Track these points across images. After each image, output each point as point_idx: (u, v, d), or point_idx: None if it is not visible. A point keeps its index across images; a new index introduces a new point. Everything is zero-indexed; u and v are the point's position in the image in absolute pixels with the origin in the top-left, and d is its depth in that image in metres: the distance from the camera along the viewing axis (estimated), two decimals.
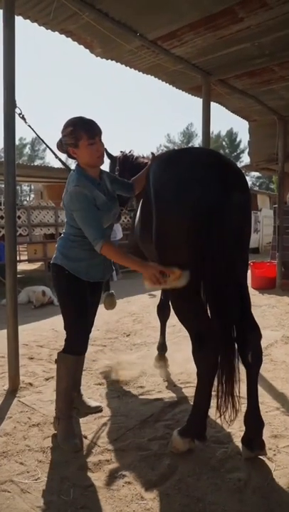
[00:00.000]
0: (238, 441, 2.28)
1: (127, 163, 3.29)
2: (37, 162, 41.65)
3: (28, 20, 3.63)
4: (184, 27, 3.88)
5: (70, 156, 2.26)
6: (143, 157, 3.42)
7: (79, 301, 2.32)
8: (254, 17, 3.70)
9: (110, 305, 3.57)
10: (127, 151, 3.47)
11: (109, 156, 3.43)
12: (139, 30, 3.93)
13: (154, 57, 4.46)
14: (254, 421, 2.16)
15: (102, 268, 2.40)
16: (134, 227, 3.02)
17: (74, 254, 2.28)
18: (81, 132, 2.14)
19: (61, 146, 2.24)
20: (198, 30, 3.95)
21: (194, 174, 1.97)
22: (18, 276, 9.64)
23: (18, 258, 11.02)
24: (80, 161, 2.24)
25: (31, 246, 8.21)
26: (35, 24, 3.70)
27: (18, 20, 3.48)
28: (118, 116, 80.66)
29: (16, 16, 3.36)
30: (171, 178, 2.03)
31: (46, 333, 4.70)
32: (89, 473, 2.04)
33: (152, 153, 2.86)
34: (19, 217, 7.70)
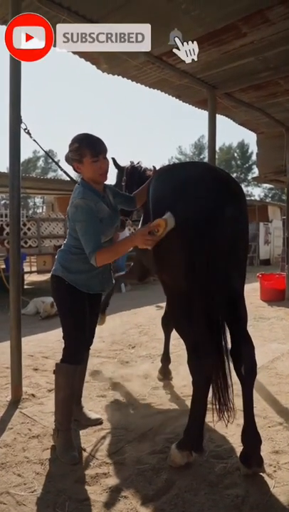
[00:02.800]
0: (237, 457, 2.25)
1: (134, 174, 3.32)
2: (50, 175, 42.30)
3: None
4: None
5: (75, 170, 2.35)
6: (150, 170, 3.45)
7: (78, 311, 2.35)
8: (257, 32, 3.76)
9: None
10: (135, 162, 3.50)
11: (117, 166, 3.47)
12: None
13: (159, 72, 4.55)
14: (251, 437, 2.13)
15: (102, 280, 2.44)
16: None
17: (75, 267, 2.32)
18: (86, 150, 2.21)
19: (68, 159, 2.32)
20: (203, 45, 4.01)
21: (189, 188, 2.02)
22: (28, 287, 9.76)
23: (29, 269, 11.26)
24: (84, 176, 2.31)
25: (40, 257, 8.33)
26: None
27: None
28: (129, 127, 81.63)
29: None
30: (167, 192, 2.09)
31: (52, 344, 4.72)
32: (85, 487, 2.03)
33: (154, 167, 2.89)
34: (29, 229, 7.82)
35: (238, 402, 2.86)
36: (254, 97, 5.50)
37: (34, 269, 11.07)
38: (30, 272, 10.61)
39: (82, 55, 4.16)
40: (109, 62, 4.33)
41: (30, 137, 2.95)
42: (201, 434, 2.14)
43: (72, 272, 2.32)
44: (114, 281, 2.59)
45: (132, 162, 3.53)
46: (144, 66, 4.40)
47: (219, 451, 2.33)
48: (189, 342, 2.11)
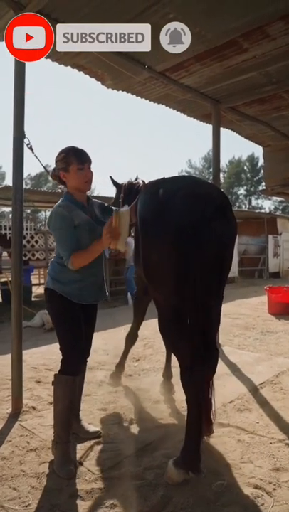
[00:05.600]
0: (236, 473, 2.21)
1: (131, 191, 3.36)
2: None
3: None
4: (191, 59, 4.01)
5: (60, 180, 2.42)
6: None
7: (73, 322, 2.36)
8: (258, 47, 3.80)
9: None
10: (133, 179, 3.54)
11: (115, 183, 3.52)
12: (147, 62, 4.11)
13: (163, 87, 4.62)
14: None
15: (94, 290, 2.46)
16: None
17: (65, 277, 2.35)
18: (71, 158, 2.32)
19: (53, 171, 2.42)
20: (205, 61, 4.09)
21: (173, 203, 2.05)
22: (36, 299, 9.77)
23: (37, 281, 11.31)
24: (69, 184, 2.39)
25: (47, 270, 8.36)
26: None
27: None
28: (139, 141, 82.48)
29: None
30: (152, 207, 2.15)
31: (56, 356, 4.70)
32: (80, 502, 2.01)
33: (142, 181, 2.91)
34: (37, 242, 7.90)
35: (238, 417, 2.82)
36: (258, 110, 5.53)
37: (42, 281, 11.13)
38: (39, 285, 10.67)
39: (87, 71, 4.26)
40: (113, 79, 4.42)
41: (32, 152, 3.01)
42: (197, 454, 2.11)
43: (63, 283, 2.34)
44: (107, 293, 2.61)
45: (143, 181, 3.58)
46: (148, 82, 4.47)
47: (218, 467, 2.28)
48: (181, 358, 2.11)
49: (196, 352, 2.04)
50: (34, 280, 11.58)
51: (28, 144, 3.04)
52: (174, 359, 3.58)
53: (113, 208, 2.48)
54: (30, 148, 3.02)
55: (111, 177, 3.49)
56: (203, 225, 1.98)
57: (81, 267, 2.26)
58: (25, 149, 3.05)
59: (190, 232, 1.97)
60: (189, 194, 2.07)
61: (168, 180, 2.33)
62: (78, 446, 2.55)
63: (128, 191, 3.34)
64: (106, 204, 2.67)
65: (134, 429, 2.81)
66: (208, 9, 3.23)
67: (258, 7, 3.20)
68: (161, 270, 2.10)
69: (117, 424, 2.88)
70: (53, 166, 2.43)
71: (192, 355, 2.05)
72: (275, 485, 2.13)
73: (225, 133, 6.35)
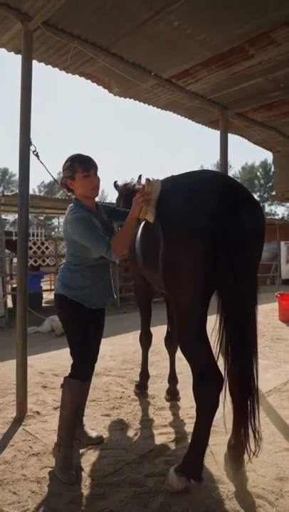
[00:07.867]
0: (238, 482, 2.17)
1: (128, 190, 3.39)
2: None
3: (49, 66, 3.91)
4: (197, 65, 4.04)
5: (68, 188, 2.43)
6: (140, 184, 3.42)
7: (82, 327, 2.38)
8: (264, 53, 3.81)
9: None
10: (136, 179, 3.55)
11: (116, 187, 3.56)
12: (154, 70, 4.15)
13: (170, 94, 4.64)
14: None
15: (103, 294, 2.47)
16: (130, 252, 3.15)
17: (75, 283, 2.37)
18: (77, 166, 2.33)
19: (61, 180, 2.44)
20: (211, 67, 4.10)
21: (203, 200, 1.92)
22: (46, 305, 9.83)
23: (49, 287, 11.41)
24: (76, 192, 2.41)
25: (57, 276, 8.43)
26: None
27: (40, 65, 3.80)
28: (148, 147, 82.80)
29: (38, 63, 3.67)
30: (179, 205, 1.99)
31: (63, 362, 4.73)
32: (79, 508, 2.00)
33: (147, 179, 2.90)
34: (47, 248, 7.97)
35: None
36: (267, 116, 5.51)
37: (53, 287, 11.22)
38: (50, 290, 10.76)
39: (94, 79, 4.31)
40: (120, 86, 4.46)
41: (38, 159, 3.06)
42: (201, 463, 2.07)
43: (73, 289, 2.36)
44: (115, 296, 2.61)
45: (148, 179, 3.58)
46: (155, 89, 4.51)
47: (220, 475, 2.25)
48: (196, 367, 2.03)
49: (211, 363, 2.00)
50: (45, 286, 11.70)
51: (35, 151, 3.09)
52: (183, 365, 3.57)
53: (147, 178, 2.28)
54: (37, 155, 3.07)
55: (115, 182, 3.53)
56: (237, 221, 1.85)
57: (122, 251, 2.25)
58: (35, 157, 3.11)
59: (227, 227, 1.84)
60: (219, 189, 1.93)
61: (189, 174, 2.17)
62: (80, 451, 2.54)
63: (124, 191, 3.37)
64: (112, 206, 2.68)
65: (137, 435, 2.79)
66: (212, 16, 3.25)
67: (262, 13, 3.21)
68: (190, 271, 1.95)
69: (120, 430, 2.86)
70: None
71: (208, 364, 2.00)
72: (277, 495, 2.08)
73: (237, 139, 6.37)
